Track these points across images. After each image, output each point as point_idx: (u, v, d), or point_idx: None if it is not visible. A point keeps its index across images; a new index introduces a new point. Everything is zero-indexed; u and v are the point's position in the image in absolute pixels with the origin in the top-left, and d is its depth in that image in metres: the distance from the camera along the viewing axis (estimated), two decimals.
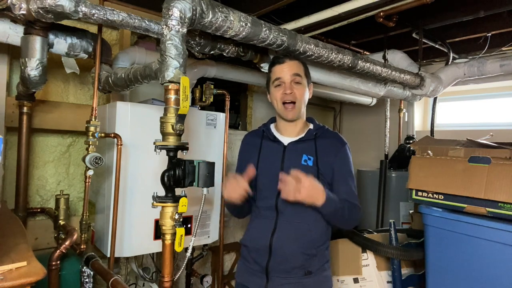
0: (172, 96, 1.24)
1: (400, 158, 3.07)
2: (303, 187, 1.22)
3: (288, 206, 1.36)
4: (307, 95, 1.49)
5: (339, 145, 1.48)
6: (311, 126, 1.53)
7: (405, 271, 1.97)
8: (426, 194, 1.72)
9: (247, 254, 1.50)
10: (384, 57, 2.67)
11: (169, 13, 1.22)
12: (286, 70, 1.44)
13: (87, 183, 1.77)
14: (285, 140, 1.49)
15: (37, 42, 1.54)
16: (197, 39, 1.65)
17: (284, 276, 1.39)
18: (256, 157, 1.51)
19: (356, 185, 1.49)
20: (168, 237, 1.27)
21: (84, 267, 1.74)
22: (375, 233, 2.12)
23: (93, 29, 1.88)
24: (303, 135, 1.48)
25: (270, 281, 1.41)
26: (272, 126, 1.56)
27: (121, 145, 1.73)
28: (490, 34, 2.51)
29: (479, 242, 1.51)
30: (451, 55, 2.72)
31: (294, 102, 1.43)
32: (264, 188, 1.45)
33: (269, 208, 1.44)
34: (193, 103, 2.33)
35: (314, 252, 1.40)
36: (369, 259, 1.98)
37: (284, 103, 1.44)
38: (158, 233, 1.82)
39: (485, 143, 1.69)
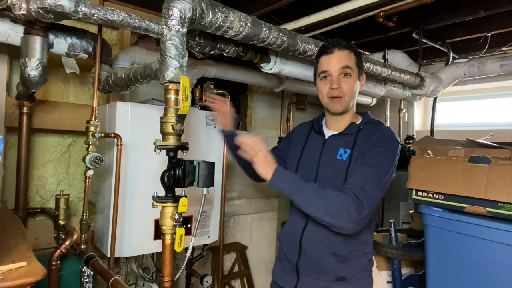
0: (172, 96, 1.25)
1: (400, 158, 3.05)
2: (260, 151, 1.20)
3: None
4: (357, 88, 1.37)
5: (381, 136, 1.30)
6: (359, 120, 1.41)
7: (405, 271, 1.97)
8: (426, 194, 1.72)
9: (281, 250, 1.47)
10: (384, 57, 2.67)
11: (169, 13, 1.22)
12: (334, 62, 1.32)
13: (87, 183, 1.77)
14: (328, 133, 1.42)
15: (37, 42, 1.54)
16: (197, 39, 1.65)
17: (314, 277, 1.32)
18: (301, 148, 1.46)
19: (378, 179, 1.23)
20: (168, 237, 1.27)
21: (84, 267, 1.74)
22: (375, 233, 2.12)
23: (93, 29, 1.88)
24: (343, 129, 1.39)
25: (300, 280, 1.35)
26: (324, 118, 1.49)
27: (121, 145, 1.73)
28: (490, 34, 2.51)
29: (479, 242, 1.51)
30: (451, 55, 2.72)
31: (341, 97, 1.33)
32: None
33: None
34: (193, 103, 2.33)
35: (346, 254, 1.30)
36: None
37: (330, 97, 1.34)
38: (158, 233, 1.82)
39: (485, 143, 1.69)
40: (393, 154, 1.30)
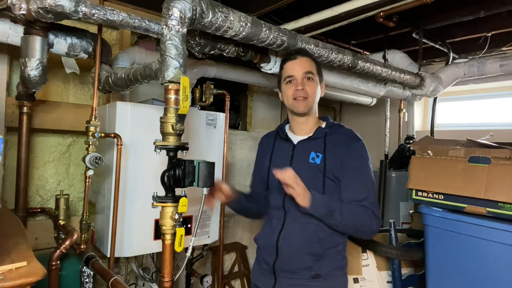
0: (172, 96, 1.25)
1: (400, 158, 3.06)
2: (299, 183, 1.26)
3: (295, 205, 1.33)
4: (318, 92, 1.47)
5: (350, 141, 1.42)
6: (323, 124, 1.50)
7: (405, 271, 1.97)
8: (426, 194, 1.72)
9: (258, 253, 1.53)
10: (384, 57, 2.67)
11: (169, 13, 1.22)
12: (298, 68, 1.42)
13: (87, 183, 1.77)
14: (296, 139, 1.49)
15: (37, 42, 1.54)
16: (197, 39, 1.65)
17: (290, 276, 1.39)
18: (269, 157, 1.52)
19: (373, 186, 1.39)
20: (168, 237, 1.27)
21: (84, 267, 1.74)
22: None
23: (93, 29, 1.88)
24: (312, 133, 1.46)
25: (277, 281, 1.41)
26: (287, 126, 1.57)
27: (121, 145, 1.73)
28: (490, 34, 2.51)
29: (479, 242, 1.51)
30: (451, 55, 2.72)
31: (305, 98, 1.41)
32: (274, 187, 1.46)
33: (277, 208, 1.44)
34: (193, 103, 2.33)
35: (321, 253, 1.37)
36: (369, 259, 1.97)
37: (295, 98, 1.42)
38: (158, 233, 1.82)
39: (485, 143, 1.69)
40: (368, 155, 1.44)
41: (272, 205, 1.48)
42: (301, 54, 1.45)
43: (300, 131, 1.49)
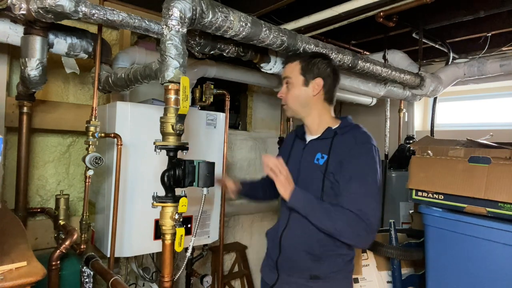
0: (172, 96, 1.25)
1: (400, 158, 3.06)
2: (283, 173, 1.29)
3: None
4: (302, 94, 1.43)
5: (354, 143, 1.35)
6: (336, 124, 1.45)
7: (405, 271, 1.97)
8: (426, 194, 1.72)
9: (267, 248, 1.57)
10: (384, 57, 2.67)
11: (169, 13, 1.22)
12: (283, 76, 1.51)
13: (87, 183, 1.77)
14: (309, 138, 1.51)
15: (37, 42, 1.54)
16: (197, 39, 1.65)
17: (291, 274, 1.41)
18: (287, 154, 1.56)
19: (370, 191, 1.27)
20: (168, 237, 1.27)
21: (84, 267, 1.73)
22: None
23: (93, 29, 1.88)
24: (320, 134, 1.45)
25: (279, 277, 1.44)
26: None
27: (121, 145, 1.73)
28: (490, 34, 2.51)
29: (479, 242, 1.51)
30: (451, 55, 2.72)
31: (285, 104, 1.50)
32: None
33: (285, 205, 1.44)
34: (193, 103, 2.33)
35: (319, 254, 1.35)
36: (369, 259, 1.97)
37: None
38: (158, 233, 1.82)
39: (485, 143, 1.69)
40: (374, 161, 1.34)
41: (281, 203, 1.50)
42: (287, 62, 1.51)
43: (310, 131, 1.50)
